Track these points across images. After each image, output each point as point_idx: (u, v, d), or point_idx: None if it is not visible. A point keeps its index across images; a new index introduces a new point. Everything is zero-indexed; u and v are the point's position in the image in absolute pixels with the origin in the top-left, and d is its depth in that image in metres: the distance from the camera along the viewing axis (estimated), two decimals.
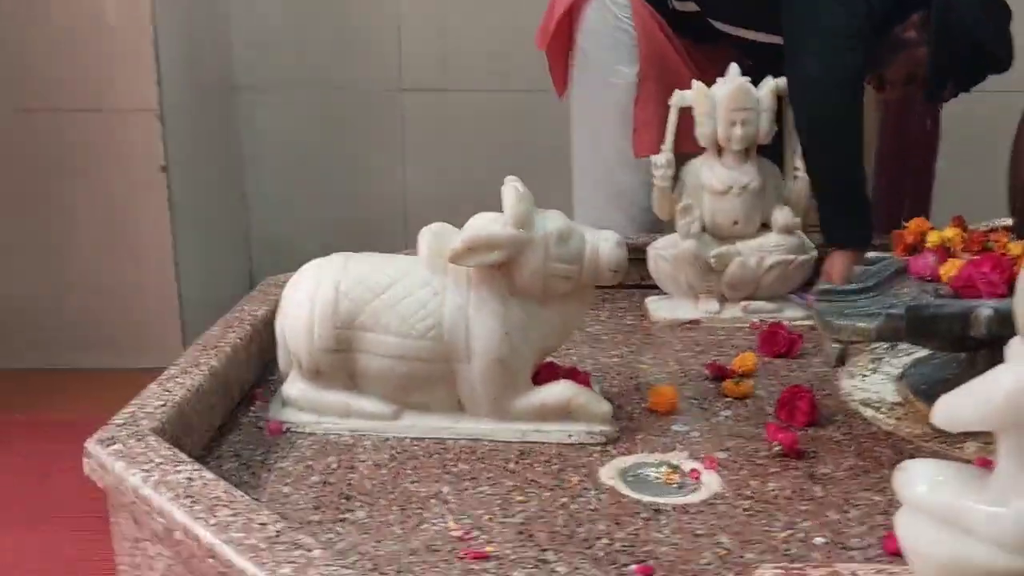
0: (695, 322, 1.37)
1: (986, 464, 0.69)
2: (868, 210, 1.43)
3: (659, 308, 1.40)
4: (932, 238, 1.05)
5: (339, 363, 1.00)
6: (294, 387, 1.04)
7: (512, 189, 0.98)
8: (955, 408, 0.66)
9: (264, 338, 1.14)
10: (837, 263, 1.36)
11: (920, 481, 0.69)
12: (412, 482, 0.91)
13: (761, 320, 1.33)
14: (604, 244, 1.00)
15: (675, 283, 1.39)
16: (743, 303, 1.37)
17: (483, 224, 0.98)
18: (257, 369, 1.15)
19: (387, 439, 1.00)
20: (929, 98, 1.53)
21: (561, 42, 1.74)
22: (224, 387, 1.04)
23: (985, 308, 0.89)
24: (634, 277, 1.52)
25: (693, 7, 1.60)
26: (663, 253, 1.38)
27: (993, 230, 1.13)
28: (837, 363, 0.95)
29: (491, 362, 0.98)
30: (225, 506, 0.72)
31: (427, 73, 2.29)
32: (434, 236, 1.01)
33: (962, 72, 1.43)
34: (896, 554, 0.72)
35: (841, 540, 0.80)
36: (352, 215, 2.38)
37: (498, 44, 2.22)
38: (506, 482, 0.91)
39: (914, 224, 1.08)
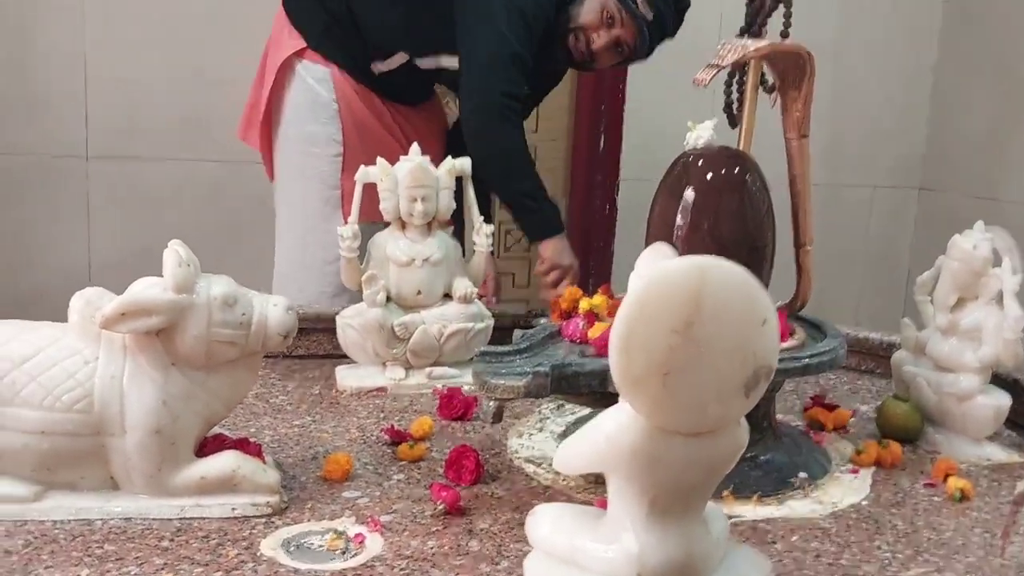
0: (382, 389, 1.39)
1: (605, 505, 0.76)
2: (548, 204, 1.67)
3: (347, 376, 1.41)
4: (583, 304, 1.15)
5: None
6: None
7: (173, 253, 0.95)
8: (570, 453, 0.73)
9: None
10: (548, 249, 1.66)
11: (544, 524, 0.74)
12: (47, 568, 0.84)
13: (444, 385, 1.37)
14: (273, 309, 0.99)
15: (363, 351, 1.41)
16: (427, 369, 1.41)
17: (141, 289, 0.94)
18: None
19: (25, 523, 0.91)
20: (637, 58, 1.75)
21: (268, 127, 1.77)
22: None
23: None
24: (326, 347, 1.53)
25: (397, 61, 1.67)
26: (351, 322, 1.40)
27: None
28: (494, 420, 1.01)
29: (148, 434, 0.93)
30: None
31: (114, 140, 2.19)
32: (86, 302, 0.95)
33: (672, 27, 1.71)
34: None
35: None
36: (30, 288, 2.18)
37: (191, 113, 2.18)
38: (156, 561, 0.86)
39: (568, 292, 1.18)
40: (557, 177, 2.47)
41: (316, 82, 1.68)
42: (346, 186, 1.71)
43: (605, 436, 0.68)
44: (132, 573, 0.84)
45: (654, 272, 0.64)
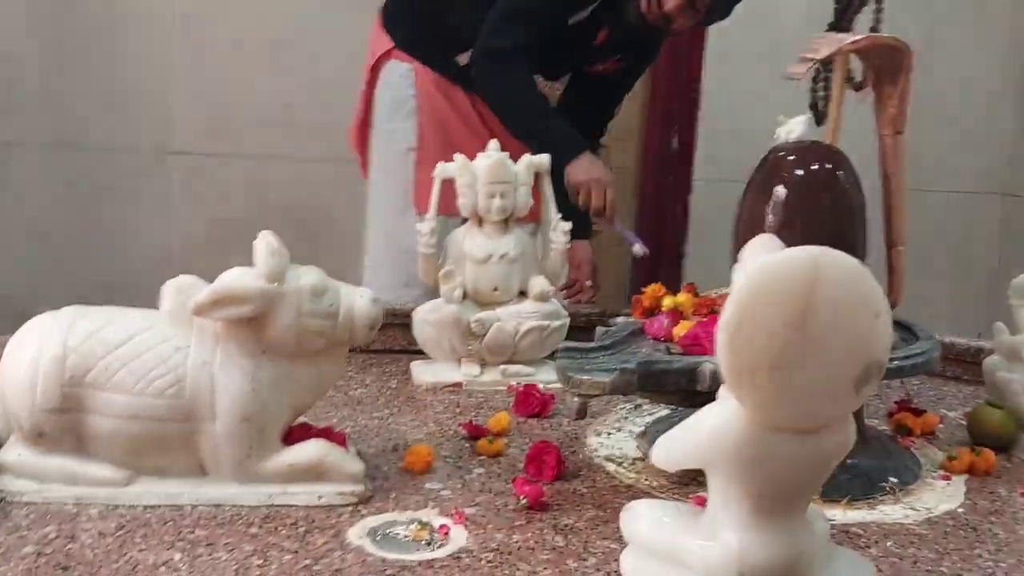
0: (457, 385, 1.39)
1: (702, 503, 0.74)
2: (557, 129, 1.65)
3: (423, 371, 1.41)
4: (666, 302, 1.13)
5: (65, 425, 0.93)
6: (12, 452, 0.95)
7: (265, 243, 0.96)
8: (670, 448, 0.71)
9: None
10: (578, 169, 1.61)
11: (642, 520, 0.73)
12: (140, 551, 0.85)
13: (518, 383, 1.36)
14: (360, 300, 0.99)
15: (438, 347, 1.41)
16: (502, 366, 1.41)
17: (233, 277, 0.95)
18: None
19: (117, 506, 0.93)
20: (711, 20, 1.71)
21: (364, 129, 1.81)
22: None
23: (709, 364, 0.96)
24: (401, 342, 1.53)
25: None
26: (427, 318, 1.40)
27: (723, 296, 1.23)
28: (578, 416, 1.00)
29: (237, 421, 0.94)
30: None
31: (197, 136, 2.25)
32: (179, 289, 0.97)
33: None
34: None
35: None
36: (113, 280, 2.24)
37: (274, 111, 2.22)
38: (246, 547, 0.87)
39: (651, 290, 1.17)
40: (628, 177, 2.45)
41: (399, 79, 1.74)
42: (419, 181, 1.73)
43: (708, 431, 0.66)
44: (223, 559, 0.84)
45: (766, 262, 0.62)
